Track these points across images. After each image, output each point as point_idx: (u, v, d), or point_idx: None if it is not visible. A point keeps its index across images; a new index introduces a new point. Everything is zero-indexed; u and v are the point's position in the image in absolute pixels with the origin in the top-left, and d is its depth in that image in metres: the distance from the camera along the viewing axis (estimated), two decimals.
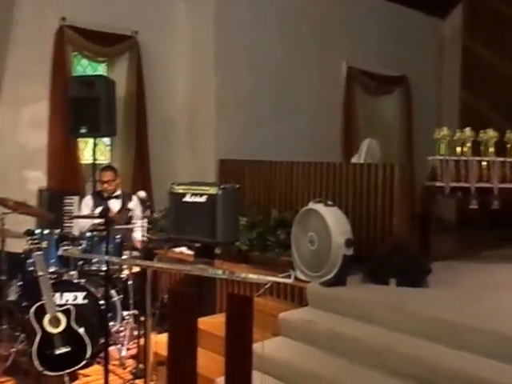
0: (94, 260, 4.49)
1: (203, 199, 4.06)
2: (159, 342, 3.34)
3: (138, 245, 4.71)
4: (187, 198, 4.13)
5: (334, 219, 4.11)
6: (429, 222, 5.10)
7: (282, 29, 6.90)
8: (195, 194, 4.10)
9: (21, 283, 4.61)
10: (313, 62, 7.24)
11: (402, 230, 4.65)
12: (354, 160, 5.73)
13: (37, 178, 5.66)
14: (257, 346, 2.77)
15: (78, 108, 5.48)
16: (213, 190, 4.03)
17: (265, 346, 3.09)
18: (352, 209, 4.83)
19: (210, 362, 3.43)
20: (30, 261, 4.37)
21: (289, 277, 3.83)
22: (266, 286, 3.98)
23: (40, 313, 3.87)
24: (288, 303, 4.23)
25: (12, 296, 4.62)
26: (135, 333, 4.36)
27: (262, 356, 2.82)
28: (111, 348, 4.37)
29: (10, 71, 5.50)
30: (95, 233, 4.60)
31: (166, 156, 6.48)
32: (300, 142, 6.69)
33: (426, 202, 5.22)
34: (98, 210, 4.91)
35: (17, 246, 4.64)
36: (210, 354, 3.64)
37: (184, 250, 4.90)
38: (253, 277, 2.29)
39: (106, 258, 3.57)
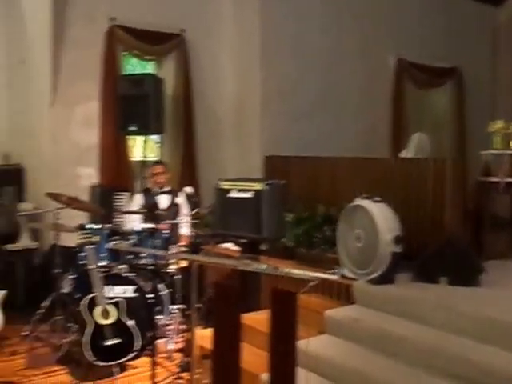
0: (143, 254, 4.58)
1: (249, 195, 4.04)
2: (205, 336, 3.38)
3: (185, 240, 4.77)
4: (233, 194, 4.12)
5: (382, 215, 4.04)
6: (482, 219, 4.94)
7: (327, 21, 6.84)
8: (241, 190, 4.09)
9: (74, 276, 4.76)
10: (359, 54, 7.14)
11: (454, 227, 4.51)
12: (402, 155, 5.62)
13: (89, 175, 5.83)
14: (302, 343, 2.76)
15: (128, 106, 5.59)
16: (258, 186, 4.00)
17: (310, 344, 3.09)
18: (401, 205, 4.71)
19: (255, 357, 3.44)
20: (82, 254, 4.50)
21: (335, 274, 3.81)
22: (313, 283, 3.95)
23: (91, 305, 3.99)
24: (334, 301, 4.19)
25: (66, 288, 4.77)
26: (182, 327, 4.44)
27: (306, 353, 2.81)
28: (159, 341, 4.45)
29: (63, 71, 5.68)
30: (144, 228, 4.69)
31: (214, 152, 6.54)
32: (346, 137, 6.62)
33: (479, 198, 5.06)
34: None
35: (70, 240, 4.79)
36: (255, 349, 3.66)
37: (230, 245, 4.92)
38: (297, 272, 2.28)
39: (153, 251, 3.62)
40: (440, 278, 4.02)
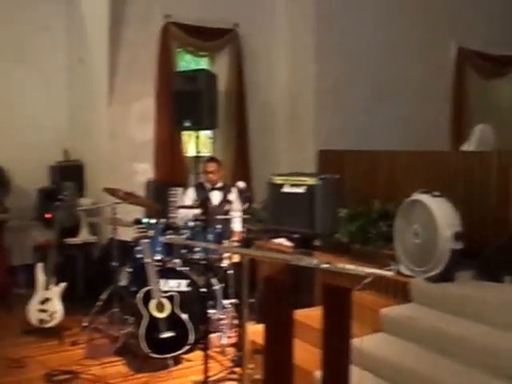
0: (196, 249, 4.61)
1: (302, 190, 4.03)
2: (257, 331, 3.36)
3: (237, 236, 4.77)
4: (286, 189, 4.12)
5: (441, 211, 3.90)
6: None
7: (382, 12, 6.66)
8: (294, 185, 4.08)
9: (130, 269, 4.86)
10: (416, 44, 6.91)
11: None
12: (464, 148, 5.42)
13: (144, 170, 5.94)
14: (356, 341, 2.70)
15: (182, 102, 5.65)
16: (312, 181, 3.98)
17: (365, 342, 3.01)
18: (462, 200, 4.52)
19: (308, 354, 3.41)
20: (138, 248, 4.59)
21: (390, 270, 3.70)
22: (368, 280, 3.87)
23: (147, 298, 4.06)
24: (390, 298, 4.08)
25: (123, 281, 4.89)
26: (235, 321, 4.45)
27: (360, 351, 2.74)
28: (212, 335, 4.48)
29: (120, 70, 5.81)
30: (197, 223, 4.73)
31: (267, 147, 6.52)
32: (404, 130, 6.42)
33: None
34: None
35: (127, 234, 4.89)
36: (308, 346, 3.62)
37: (283, 241, 4.89)
38: (351, 268, 2.21)
39: (205, 244, 3.64)
40: (504, 276, 3.84)
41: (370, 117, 6.42)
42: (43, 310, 4.55)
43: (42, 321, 4.53)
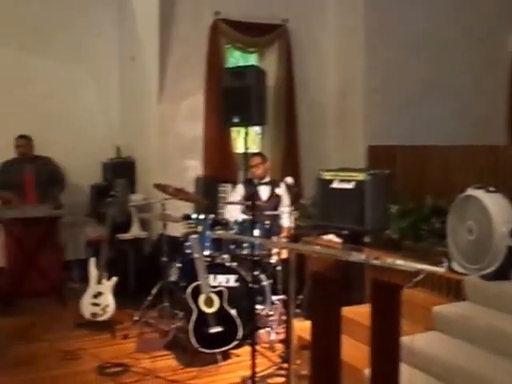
0: (245, 245, 4.62)
1: (351, 185, 3.93)
2: (305, 327, 3.33)
3: (286, 232, 4.75)
4: (335, 185, 4.04)
5: (497, 206, 3.76)
6: None
7: (435, 5, 6.46)
8: (343, 180, 3.99)
9: (180, 265, 4.92)
10: (471, 37, 6.66)
11: None
12: None
13: (194, 167, 6.01)
14: (406, 339, 2.64)
15: (231, 98, 5.62)
16: (361, 176, 3.88)
17: (416, 340, 2.95)
18: None
19: (358, 352, 3.36)
20: (188, 244, 4.63)
21: (442, 266, 3.60)
22: (419, 277, 3.77)
23: (196, 293, 4.09)
24: (442, 296, 3.97)
25: (173, 276, 4.95)
26: (284, 317, 4.43)
27: (411, 349, 2.68)
28: (261, 331, 4.49)
29: (170, 67, 5.88)
30: (245, 218, 4.74)
31: (316, 143, 6.47)
32: (456, 124, 6.23)
33: None
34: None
35: (177, 229, 4.96)
36: (358, 344, 3.57)
37: (332, 237, 4.83)
38: (400, 263, 2.15)
39: (253, 239, 3.63)
40: None
41: (421, 112, 6.27)
42: (96, 304, 4.65)
43: (94, 314, 4.63)
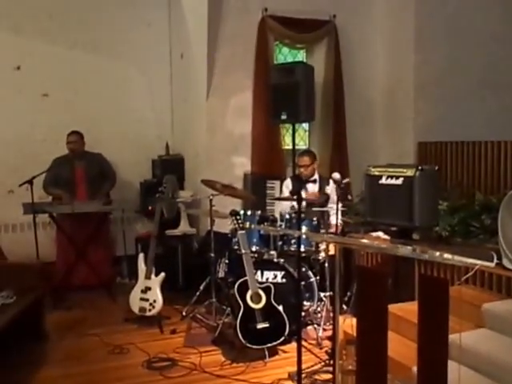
0: (292, 241, 4.59)
1: (400, 181, 3.88)
2: (352, 324, 3.29)
3: (334, 228, 4.70)
4: (383, 181, 3.98)
5: None
6: None
7: None
8: (391, 177, 3.93)
9: (227, 261, 4.94)
10: None
11: None
12: None
13: (242, 163, 6.02)
14: (455, 336, 2.56)
15: (279, 95, 5.58)
16: (410, 172, 3.82)
17: (465, 337, 2.86)
18: None
19: (407, 349, 3.30)
20: (235, 240, 4.65)
21: (492, 262, 3.48)
22: (471, 273, 3.67)
23: (243, 288, 4.09)
24: (492, 293, 3.85)
25: (220, 272, 4.97)
26: (331, 314, 4.39)
27: (460, 346, 2.60)
28: (308, 328, 4.45)
29: (219, 64, 5.92)
30: (293, 214, 4.71)
31: (364, 139, 6.38)
32: (508, 120, 5.99)
33: None
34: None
35: (224, 226, 4.98)
36: (407, 341, 3.51)
37: (381, 234, 4.75)
38: (449, 257, 2.08)
39: (300, 233, 3.60)
40: None
41: (472, 107, 6.07)
42: (144, 299, 4.70)
43: (143, 309, 4.68)
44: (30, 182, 5.04)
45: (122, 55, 6.48)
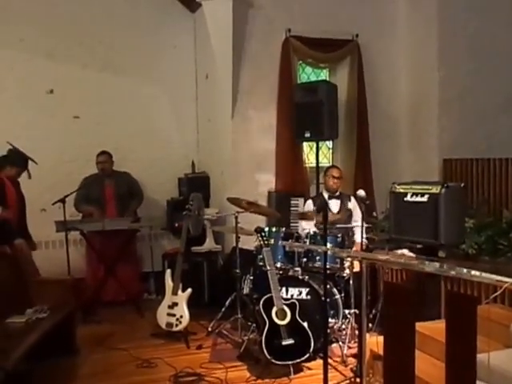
0: (317, 258, 4.63)
1: (425, 199, 3.88)
2: (379, 342, 3.30)
3: (358, 246, 4.72)
4: (408, 198, 3.99)
5: None
6: None
7: None
8: (417, 194, 3.94)
9: (252, 277, 4.99)
10: None
11: None
12: None
13: (266, 181, 6.08)
14: (483, 356, 2.56)
15: (303, 113, 5.72)
16: (435, 189, 3.82)
17: (494, 357, 2.84)
18: None
19: (434, 369, 3.27)
20: (260, 256, 4.70)
21: None
22: (499, 292, 3.65)
23: (268, 305, 4.13)
24: None
25: (245, 289, 5.02)
26: (356, 332, 4.40)
27: (488, 367, 2.60)
28: (333, 345, 4.46)
29: (243, 84, 6.02)
30: (317, 232, 4.75)
31: (388, 156, 6.40)
32: None
33: None
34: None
35: (249, 242, 5.04)
36: (434, 361, 3.48)
37: (406, 251, 4.75)
38: (477, 274, 2.10)
39: (325, 248, 3.64)
40: None
41: (498, 124, 6.05)
42: (171, 314, 4.76)
43: (170, 324, 4.74)
44: (63, 200, 5.17)
45: (149, 77, 6.64)
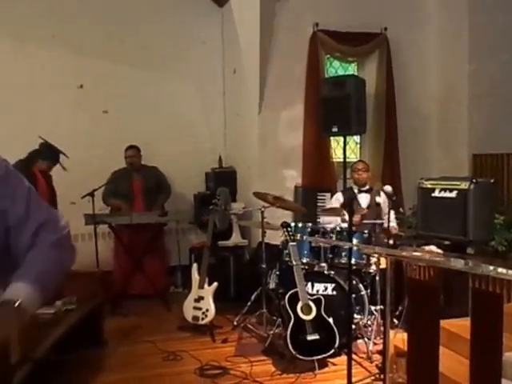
0: (343, 253, 4.61)
1: (453, 194, 3.83)
2: (402, 338, 3.28)
3: (386, 241, 4.68)
4: (436, 194, 3.94)
5: None
6: None
7: None
8: (445, 189, 3.89)
9: (278, 272, 4.99)
10: None
11: None
12: None
13: (293, 176, 6.08)
14: (509, 355, 2.52)
15: (330, 108, 5.64)
16: (464, 185, 3.77)
17: None
18: None
19: (459, 366, 3.22)
20: (286, 251, 4.70)
21: None
22: None
23: (294, 300, 4.13)
24: None
25: (271, 283, 5.02)
26: (382, 328, 4.36)
27: None
28: (359, 341, 4.44)
29: (270, 78, 6.01)
30: (344, 227, 4.72)
31: (417, 151, 6.33)
32: None
33: None
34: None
35: (275, 237, 5.04)
36: (460, 358, 3.43)
37: (433, 248, 4.70)
38: (502, 271, 2.06)
39: (351, 244, 3.62)
40: None
41: None
42: (197, 308, 4.80)
43: (196, 318, 4.78)
44: (92, 194, 5.24)
45: (177, 72, 6.68)
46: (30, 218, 1.56)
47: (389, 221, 4.08)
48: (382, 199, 5.08)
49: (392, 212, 4.39)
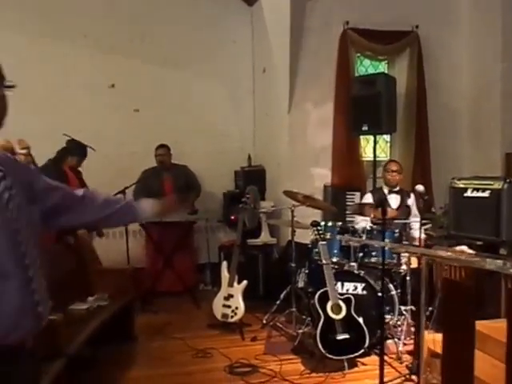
0: (373, 253, 4.58)
1: (486, 194, 3.77)
2: (435, 339, 3.24)
3: (416, 241, 4.64)
4: (468, 193, 3.89)
5: None
6: None
7: None
8: (477, 189, 3.83)
9: (307, 271, 4.98)
10: None
11: None
12: None
13: (322, 175, 6.06)
14: None
15: (360, 106, 5.64)
16: (497, 185, 3.71)
17: None
18: None
19: (494, 369, 3.16)
20: (316, 250, 4.69)
21: None
22: None
23: (323, 299, 4.11)
24: None
25: (300, 282, 5.02)
26: (412, 328, 4.33)
27: None
28: (389, 341, 4.41)
29: (300, 77, 6.01)
30: (374, 226, 4.69)
31: (448, 150, 6.25)
32: None
33: None
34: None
35: (304, 236, 5.04)
36: (494, 361, 3.37)
37: (465, 248, 4.63)
38: None
39: (382, 243, 3.59)
40: None
41: None
42: (227, 306, 4.83)
43: (225, 316, 4.81)
44: (123, 192, 5.31)
45: (208, 71, 6.73)
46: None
47: (420, 231, 4.03)
48: (411, 201, 5.03)
49: (417, 219, 4.34)
